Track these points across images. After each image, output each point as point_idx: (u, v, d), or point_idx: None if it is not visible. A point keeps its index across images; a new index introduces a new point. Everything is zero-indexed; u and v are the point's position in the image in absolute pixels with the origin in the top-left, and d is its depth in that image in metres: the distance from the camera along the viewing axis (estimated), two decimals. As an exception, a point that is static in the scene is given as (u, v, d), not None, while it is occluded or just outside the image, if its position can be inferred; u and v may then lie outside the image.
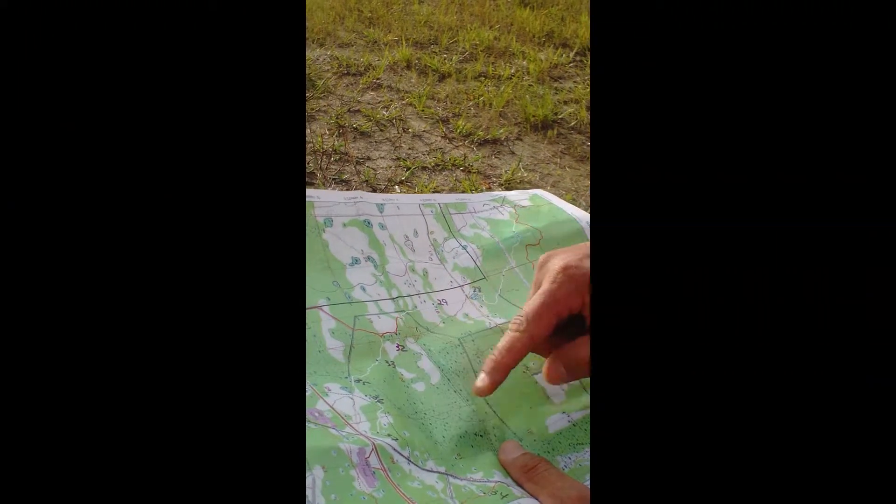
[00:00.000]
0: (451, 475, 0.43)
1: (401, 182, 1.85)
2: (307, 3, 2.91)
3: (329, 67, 2.49)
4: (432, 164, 1.96)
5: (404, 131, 2.13)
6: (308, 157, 1.88)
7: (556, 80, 2.67)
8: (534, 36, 3.07)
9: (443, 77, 2.55)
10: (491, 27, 3.09)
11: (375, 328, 0.51)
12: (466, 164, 1.98)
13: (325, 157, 1.89)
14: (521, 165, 2.03)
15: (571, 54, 2.90)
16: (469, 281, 0.58)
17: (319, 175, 1.80)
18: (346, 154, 1.93)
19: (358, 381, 0.47)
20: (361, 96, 2.31)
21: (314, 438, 0.40)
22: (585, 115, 2.32)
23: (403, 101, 2.32)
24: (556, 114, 2.34)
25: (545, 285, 0.48)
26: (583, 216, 0.65)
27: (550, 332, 0.48)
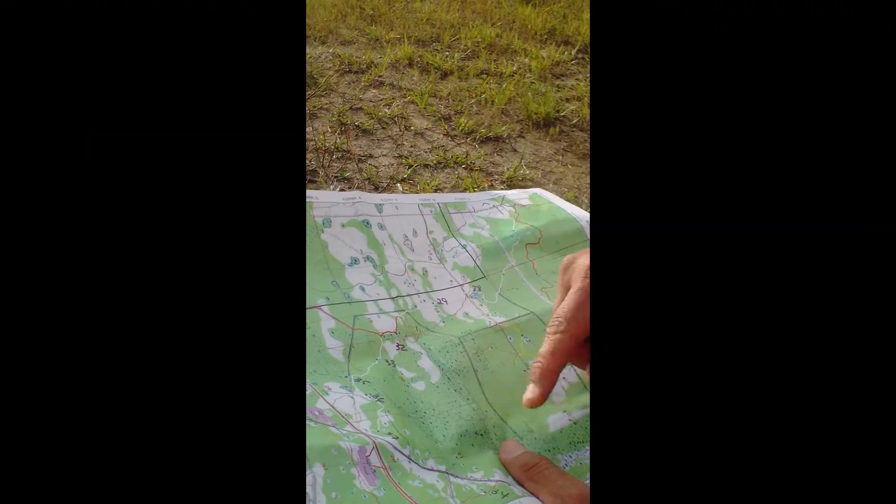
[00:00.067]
0: (452, 474, 0.43)
1: (403, 180, 1.85)
2: (309, 0, 2.91)
3: (331, 65, 2.49)
4: (434, 161, 1.96)
5: (406, 129, 2.12)
6: (310, 155, 1.88)
7: (558, 78, 2.67)
8: (536, 33, 3.06)
9: (445, 74, 2.55)
10: (493, 24, 3.09)
11: (375, 328, 0.51)
12: (468, 162, 1.98)
13: (327, 154, 1.89)
14: (523, 163, 2.03)
15: (573, 51, 2.90)
16: (469, 280, 0.59)
17: (321, 173, 1.80)
18: (349, 152, 1.93)
19: (358, 380, 0.47)
20: (363, 94, 2.31)
21: (314, 437, 0.40)
22: (587, 113, 2.32)
23: (405, 99, 2.32)
24: (558, 111, 2.34)
25: (578, 283, 0.48)
26: (582, 215, 0.66)
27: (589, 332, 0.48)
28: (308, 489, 0.37)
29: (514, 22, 3.15)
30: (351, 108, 2.20)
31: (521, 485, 0.43)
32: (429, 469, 0.43)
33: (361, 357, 0.49)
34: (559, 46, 2.95)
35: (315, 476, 0.38)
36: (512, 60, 2.74)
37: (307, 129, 2.01)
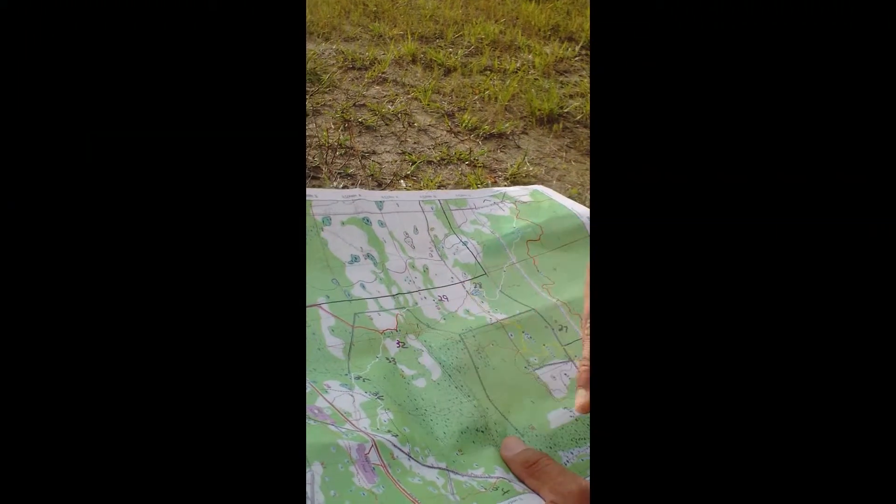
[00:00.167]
0: (452, 471, 0.43)
1: (406, 176, 1.85)
2: (312, -3, 2.91)
3: (334, 61, 2.49)
4: (438, 158, 1.96)
5: (410, 125, 2.12)
6: (313, 152, 1.88)
7: (561, 74, 2.66)
8: (539, 30, 3.06)
9: (448, 71, 2.54)
10: (496, 21, 3.08)
11: (375, 325, 0.51)
12: (472, 159, 1.98)
13: (330, 151, 1.89)
14: (526, 159, 2.02)
15: (577, 48, 2.89)
16: (470, 277, 0.58)
17: (325, 169, 1.80)
18: (352, 148, 1.93)
19: (358, 378, 0.47)
20: (367, 90, 2.31)
21: (313, 435, 0.40)
22: (591, 109, 2.30)
23: (409, 96, 2.31)
24: (561, 108, 2.33)
25: None
26: (583, 211, 0.65)
27: None
28: (306, 487, 0.37)
29: (517, 18, 3.14)
30: (354, 104, 2.19)
31: (522, 481, 0.43)
32: (429, 466, 0.43)
33: (361, 355, 0.49)
34: (563, 43, 2.94)
35: (313, 474, 0.38)
36: (515, 57, 2.74)
37: (311, 126, 2.01)
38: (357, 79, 2.38)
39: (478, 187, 1.81)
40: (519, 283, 0.59)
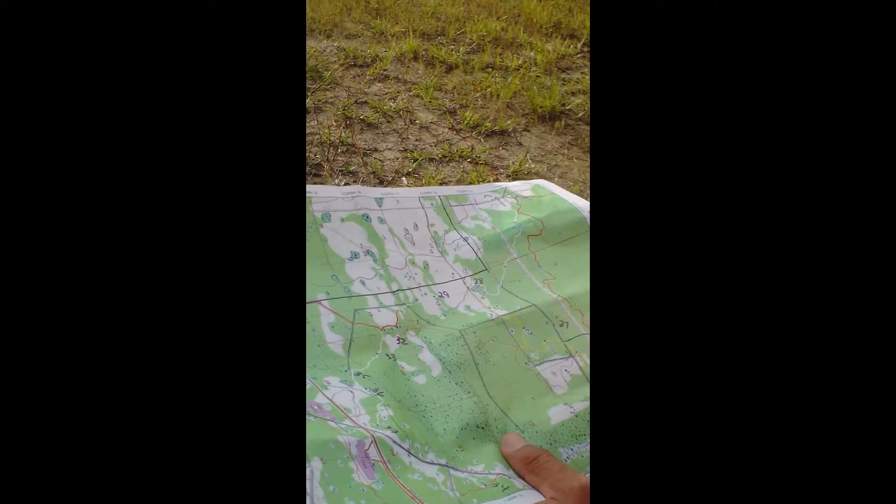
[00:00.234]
0: (452, 467, 0.43)
1: (408, 174, 1.85)
2: (314, -5, 2.91)
3: (336, 59, 2.48)
4: (439, 155, 1.96)
5: (411, 123, 2.12)
6: (315, 149, 1.88)
7: (563, 71, 2.66)
8: (541, 27, 3.05)
9: (450, 68, 2.54)
10: (498, 18, 3.08)
11: (375, 322, 0.51)
12: (474, 156, 1.97)
13: (332, 148, 1.89)
14: (528, 157, 2.02)
15: (579, 45, 2.89)
16: (470, 273, 0.58)
17: (326, 167, 1.80)
18: (354, 146, 1.92)
19: (358, 374, 0.47)
20: (368, 88, 2.31)
21: (312, 431, 0.39)
22: (593, 106, 2.29)
23: (410, 93, 2.31)
24: (563, 105, 2.33)
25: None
26: (585, 205, 0.65)
27: None
28: (306, 483, 0.37)
29: (519, 15, 3.14)
30: (356, 101, 2.19)
31: (522, 478, 0.43)
32: (429, 462, 0.42)
33: (361, 351, 0.49)
34: (565, 40, 2.93)
35: (313, 470, 0.38)
36: (517, 54, 2.74)
37: (312, 123, 2.01)
38: (359, 76, 2.38)
39: (479, 184, 1.81)
40: (520, 278, 0.59)
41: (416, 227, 0.59)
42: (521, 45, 2.84)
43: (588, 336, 0.56)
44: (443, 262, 0.58)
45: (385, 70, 2.45)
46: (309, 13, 2.80)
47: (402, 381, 0.48)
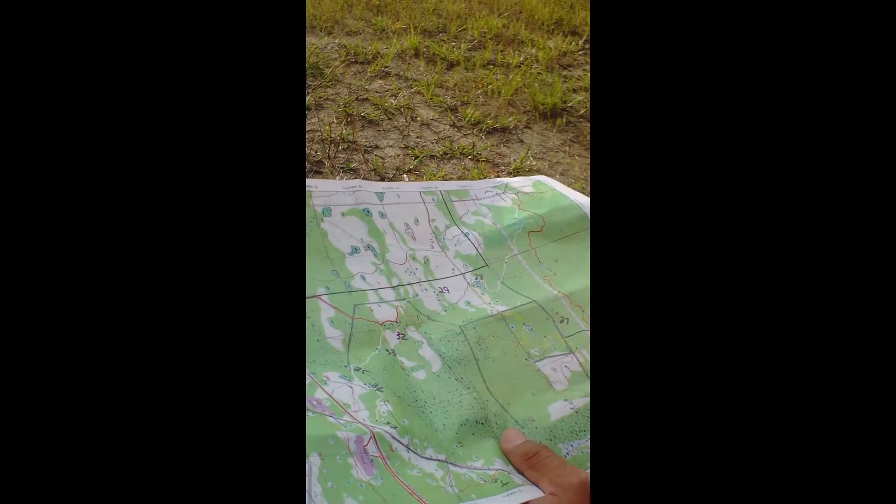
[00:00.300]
0: (451, 463, 0.43)
1: (409, 171, 1.85)
2: (315, -9, 2.90)
3: (337, 56, 2.48)
4: (440, 152, 1.96)
5: (412, 120, 2.12)
6: (316, 146, 1.87)
7: (565, 68, 2.66)
8: (543, 24, 3.05)
9: (451, 65, 2.54)
10: (500, 15, 3.07)
11: (375, 317, 0.50)
12: (475, 153, 1.97)
13: (332, 145, 1.88)
14: (529, 154, 2.02)
15: (580, 42, 2.88)
16: (471, 268, 0.58)
17: (327, 164, 1.80)
18: (355, 143, 1.92)
19: (357, 369, 0.46)
20: (369, 85, 2.31)
21: (311, 427, 0.39)
22: (594, 103, 2.29)
23: (412, 90, 2.31)
24: (565, 102, 2.33)
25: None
26: (585, 202, 0.65)
27: None
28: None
29: (520, 12, 3.14)
30: (357, 98, 2.19)
31: (522, 473, 0.43)
32: (428, 458, 0.42)
33: (361, 346, 0.48)
34: (566, 37, 2.93)
35: (311, 466, 0.37)
36: (519, 51, 2.73)
37: (313, 121, 2.01)
38: (360, 73, 2.38)
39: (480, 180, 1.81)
40: (520, 274, 0.59)
41: (416, 221, 0.59)
42: (522, 41, 2.84)
43: (588, 332, 0.55)
44: (443, 257, 0.58)
45: (386, 67, 2.45)
46: (310, 10, 2.80)
47: (402, 376, 0.47)
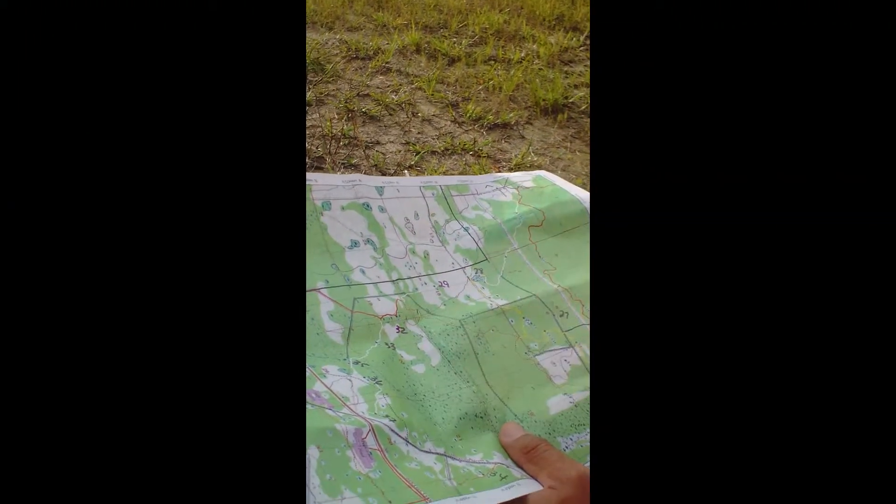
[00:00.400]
0: (450, 456, 0.43)
1: (410, 167, 1.84)
2: (316, -13, 2.90)
3: (338, 51, 2.48)
4: (442, 148, 1.95)
5: (413, 115, 2.12)
6: (317, 142, 1.87)
7: (566, 64, 2.65)
8: (544, 19, 3.04)
9: (452, 61, 2.54)
10: (501, 11, 3.07)
11: (375, 310, 0.50)
12: (476, 149, 1.97)
13: (333, 141, 1.88)
14: (531, 150, 2.02)
15: (582, 38, 2.88)
16: (471, 262, 0.58)
17: (328, 160, 1.80)
18: (355, 138, 1.92)
19: (356, 363, 0.46)
20: (370, 80, 2.30)
21: (310, 419, 0.39)
22: (596, 99, 2.28)
23: (413, 86, 2.30)
24: (566, 98, 2.32)
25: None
26: (586, 196, 0.65)
27: None
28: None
29: (522, 8, 3.13)
30: (358, 94, 2.19)
31: (521, 467, 0.43)
32: (426, 451, 0.42)
33: (360, 340, 0.48)
34: (567, 33, 2.93)
35: (309, 458, 0.37)
36: (520, 47, 2.73)
37: (314, 116, 2.01)
38: (361, 69, 2.38)
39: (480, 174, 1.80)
40: (520, 268, 0.59)
41: (416, 216, 0.59)
42: (523, 37, 2.83)
43: (588, 326, 0.55)
44: (443, 251, 0.58)
45: (387, 63, 2.44)
46: (311, 5, 2.80)
47: (401, 370, 0.47)
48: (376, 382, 0.45)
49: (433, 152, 1.93)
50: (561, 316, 0.55)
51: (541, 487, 0.41)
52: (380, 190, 0.58)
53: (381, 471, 0.39)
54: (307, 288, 0.49)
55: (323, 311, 0.48)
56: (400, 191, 0.59)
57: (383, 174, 1.79)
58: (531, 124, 2.18)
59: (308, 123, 1.96)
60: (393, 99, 2.19)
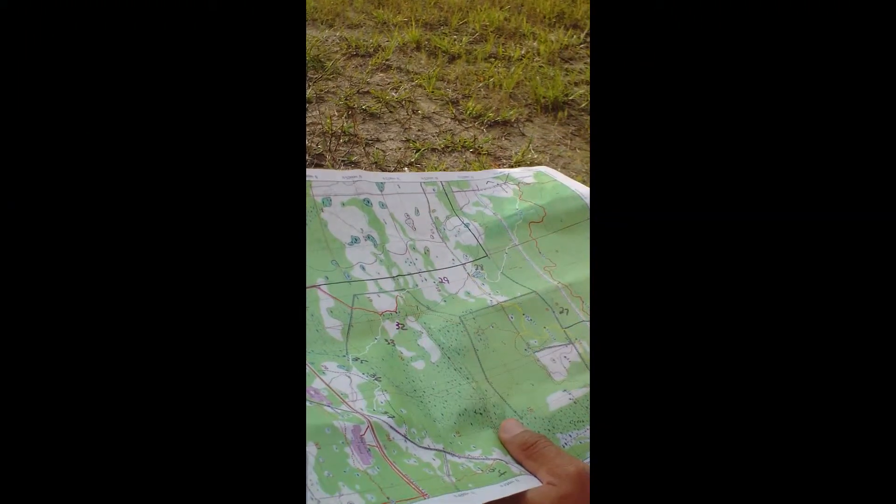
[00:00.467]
0: (449, 453, 0.43)
1: (410, 164, 1.84)
2: (316, -16, 2.90)
3: (338, 48, 2.48)
4: (442, 145, 1.95)
5: (414, 113, 2.11)
6: (317, 139, 1.87)
7: (566, 62, 2.65)
8: (544, 17, 3.04)
9: (452, 58, 2.53)
10: (501, 8, 3.06)
11: (375, 307, 0.50)
12: (476, 146, 1.97)
13: (334, 138, 1.88)
14: (531, 147, 2.01)
15: (582, 35, 2.88)
16: (471, 259, 0.58)
17: (328, 157, 1.80)
18: (356, 136, 1.92)
19: (356, 359, 0.46)
20: (371, 78, 2.30)
21: (308, 416, 0.39)
22: (596, 96, 2.28)
23: (413, 83, 2.30)
24: (566, 95, 2.32)
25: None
26: (586, 192, 0.65)
27: None
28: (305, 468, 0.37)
29: (522, 5, 3.13)
30: (358, 91, 2.19)
31: (520, 463, 0.43)
32: (425, 448, 0.42)
33: (360, 336, 0.48)
34: (568, 30, 2.92)
35: (307, 455, 0.37)
36: (520, 44, 2.73)
37: (314, 113, 2.00)
38: (361, 66, 2.38)
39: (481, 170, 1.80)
40: (520, 265, 0.59)
41: (417, 212, 0.58)
42: (523, 35, 2.83)
43: (588, 323, 0.55)
44: (443, 247, 0.58)
45: (387, 60, 2.44)
46: (311, 3, 2.79)
47: (401, 366, 0.47)
48: (375, 379, 0.45)
49: (433, 149, 1.93)
50: (561, 312, 0.55)
51: (540, 484, 0.41)
52: (380, 186, 0.58)
53: (380, 467, 0.39)
54: (307, 284, 0.49)
55: (323, 308, 0.48)
56: (401, 187, 0.59)
57: (383, 171, 1.78)
58: (531, 122, 2.18)
59: (308, 121, 1.95)
60: (393, 96, 2.19)
